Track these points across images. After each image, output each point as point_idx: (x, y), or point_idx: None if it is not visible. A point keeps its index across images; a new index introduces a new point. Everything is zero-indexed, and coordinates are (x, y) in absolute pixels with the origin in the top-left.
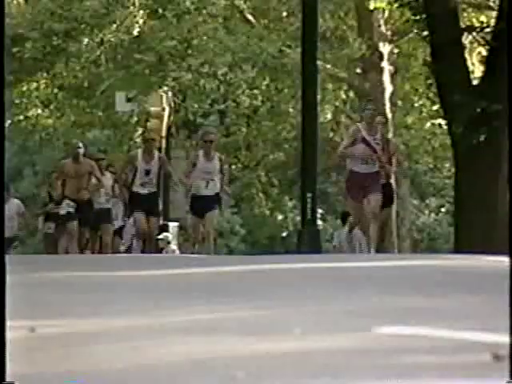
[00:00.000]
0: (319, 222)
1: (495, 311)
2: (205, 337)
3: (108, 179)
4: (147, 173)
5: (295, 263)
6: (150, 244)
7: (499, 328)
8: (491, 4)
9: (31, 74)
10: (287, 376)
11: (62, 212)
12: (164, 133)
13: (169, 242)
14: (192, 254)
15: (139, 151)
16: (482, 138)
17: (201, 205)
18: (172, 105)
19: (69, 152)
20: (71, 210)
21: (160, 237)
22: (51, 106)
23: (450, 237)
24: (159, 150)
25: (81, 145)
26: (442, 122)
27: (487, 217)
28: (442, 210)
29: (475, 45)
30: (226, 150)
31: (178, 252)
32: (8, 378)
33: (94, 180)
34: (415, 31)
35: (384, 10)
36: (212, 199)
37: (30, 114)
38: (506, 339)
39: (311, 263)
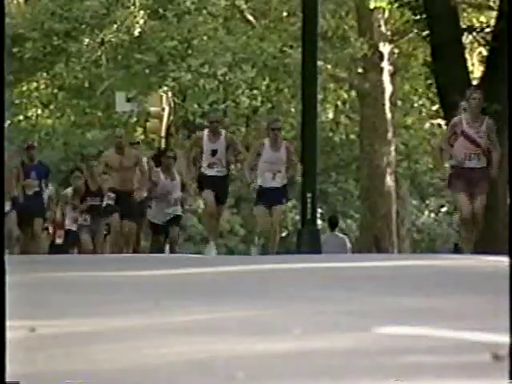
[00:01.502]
0: (319, 222)
1: (495, 311)
2: (205, 337)
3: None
4: (213, 153)
5: (295, 263)
6: (216, 230)
7: (499, 328)
8: (491, 4)
9: (31, 74)
10: (287, 376)
11: (105, 204)
12: (164, 133)
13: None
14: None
15: (205, 132)
16: None
17: (267, 198)
18: (172, 105)
19: (112, 142)
20: (111, 202)
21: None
22: (51, 106)
23: (450, 237)
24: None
25: (123, 133)
26: (442, 122)
27: (487, 217)
28: (442, 210)
29: (475, 45)
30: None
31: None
32: (8, 378)
33: (138, 172)
34: (415, 31)
35: (384, 10)
36: (279, 192)
37: (29, 114)
38: (506, 339)
39: (311, 263)
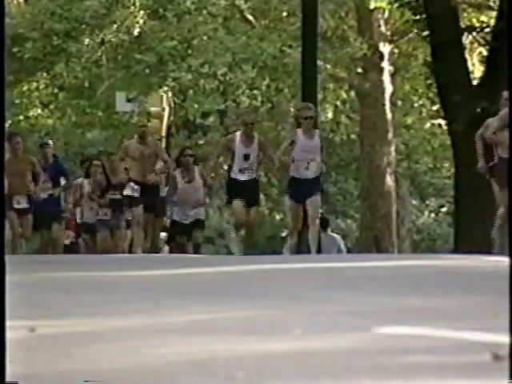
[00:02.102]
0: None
1: (495, 311)
2: (205, 337)
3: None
4: (246, 157)
5: (295, 263)
6: (251, 237)
7: (499, 328)
8: (491, 4)
9: (31, 74)
10: (287, 376)
11: (128, 194)
12: (164, 133)
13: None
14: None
15: (237, 134)
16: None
17: (301, 189)
18: (172, 105)
19: (135, 132)
20: (136, 194)
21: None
22: (51, 106)
23: (450, 237)
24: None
25: (146, 122)
26: (442, 122)
27: (487, 217)
28: (442, 210)
29: (475, 45)
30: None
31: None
32: (8, 378)
33: (159, 162)
34: (415, 31)
35: (384, 10)
36: (313, 182)
37: (29, 114)
38: (506, 339)
39: (311, 263)
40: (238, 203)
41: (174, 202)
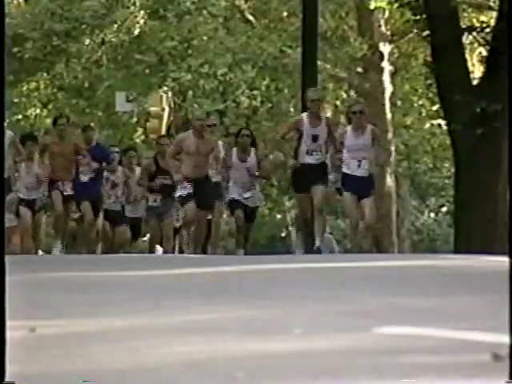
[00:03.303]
0: None
1: (495, 311)
2: (205, 337)
3: None
4: (315, 139)
5: (295, 263)
6: (320, 220)
7: (499, 328)
8: (491, 4)
9: (31, 74)
10: (287, 376)
11: (181, 193)
12: (164, 133)
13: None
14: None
15: (304, 115)
16: (482, 138)
17: (355, 187)
18: (172, 105)
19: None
20: (189, 191)
21: (144, 239)
22: (50, 106)
23: (450, 237)
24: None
25: (205, 116)
26: (442, 121)
27: (487, 217)
28: (442, 210)
29: (475, 45)
30: (225, 150)
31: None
32: (8, 378)
33: (212, 158)
34: (415, 31)
35: (384, 10)
36: (367, 181)
37: (28, 113)
38: (506, 339)
39: (311, 263)
40: (301, 195)
41: (228, 180)
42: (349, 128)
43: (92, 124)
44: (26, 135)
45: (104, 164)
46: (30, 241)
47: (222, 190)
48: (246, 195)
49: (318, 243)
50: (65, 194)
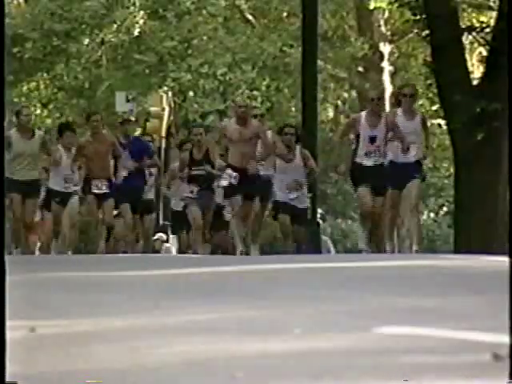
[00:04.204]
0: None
1: (495, 311)
2: (205, 337)
3: None
4: (372, 140)
5: (295, 263)
6: (379, 227)
7: (499, 328)
8: (491, 4)
9: (31, 74)
10: (287, 376)
11: (224, 184)
12: (164, 133)
13: (164, 241)
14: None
15: (363, 114)
16: (482, 137)
17: (398, 174)
18: (172, 105)
19: (233, 112)
20: (234, 182)
21: (155, 238)
22: (50, 106)
23: (450, 238)
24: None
25: (247, 102)
26: (442, 121)
27: (487, 217)
28: (442, 210)
29: (475, 45)
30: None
31: (173, 249)
32: (8, 378)
33: (260, 146)
34: (415, 31)
35: (384, 10)
36: (412, 167)
37: None
38: (506, 339)
39: (311, 263)
40: (363, 190)
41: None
42: (399, 111)
43: (132, 117)
44: (63, 125)
45: (145, 158)
46: (73, 234)
47: (271, 186)
48: (292, 196)
49: (388, 246)
50: (100, 192)
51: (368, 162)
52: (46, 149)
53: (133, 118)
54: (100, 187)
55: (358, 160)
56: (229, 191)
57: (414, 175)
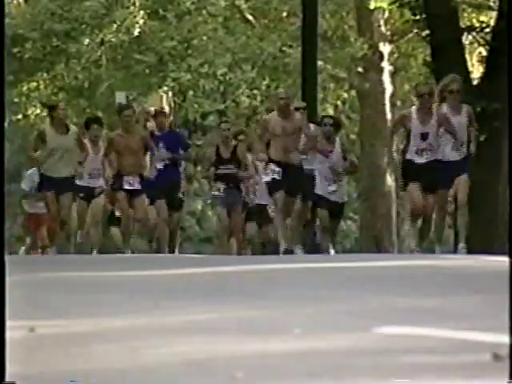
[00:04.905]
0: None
1: (495, 311)
2: (204, 337)
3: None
4: (424, 137)
5: (295, 263)
6: (429, 228)
7: (499, 328)
8: (491, 4)
9: (31, 74)
10: (287, 376)
11: (269, 179)
12: None
13: None
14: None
15: (413, 109)
16: (482, 137)
17: (449, 172)
18: (172, 105)
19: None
20: (277, 176)
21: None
22: None
23: (450, 238)
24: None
25: (290, 94)
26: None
27: (487, 217)
28: None
29: (475, 45)
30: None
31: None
32: (8, 378)
33: (302, 140)
34: (415, 31)
35: (384, 10)
36: (458, 164)
37: (28, 113)
38: (506, 339)
39: (311, 263)
40: (414, 188)
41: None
42: (444, 107)
43: (166, 109)
44: (91, 118)
45: (180, 151)
46: (97, 232)
47: (313, 182)
48: (331, 189)
49: (437, 248)
50: (132, 189)
51: (420, 160)
52: (80, 144)
53: (166, 110)
54: (132, 183)
55: (408, 157)
56: (272, 187)
57: (463, 172)
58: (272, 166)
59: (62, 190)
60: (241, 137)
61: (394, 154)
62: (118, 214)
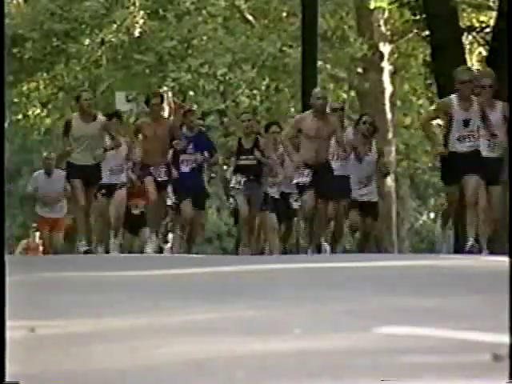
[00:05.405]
0: None
1: (495, 311)
2: (205, 337)
3: None
4: (466, 123)
5: (295, 263)
6: (472, 214)
7: (499, 328)
8: (491, 4)
9: (31, 74)
10: (287, 376)
11: (299, 181)
12: None
13: None
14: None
15: (453, 96)
16: None
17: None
18: (172, 105)
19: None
20: (307, 179)
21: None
22: (50, 106)
23: (450, 238)
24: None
25: (326, 93)
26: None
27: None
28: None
29: (475, 45)
30: (225, 149)
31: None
32: (8, 378)
33: (334, 143)
34: (415, 31)
35: (384, 10)
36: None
37: (29, 113)
38: (506, 339)
39: (311, 263)
40: (469, 181)
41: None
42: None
43: (194, 107)
44: (110, 113)
45: (206, 154)
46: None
47: (348, 185)
48: (362, 192)
49: (470, 242)
50: (158, 179)
51: (462, 148)
52: (109, 133)
53: (195, 109)
54: (158, 174)
55: (450, 145)
56: (301, 189)
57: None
58: (302, 168)
59: (88, 178)
60: (273, 128)
61: (440, 147)
62: (135, 211)
